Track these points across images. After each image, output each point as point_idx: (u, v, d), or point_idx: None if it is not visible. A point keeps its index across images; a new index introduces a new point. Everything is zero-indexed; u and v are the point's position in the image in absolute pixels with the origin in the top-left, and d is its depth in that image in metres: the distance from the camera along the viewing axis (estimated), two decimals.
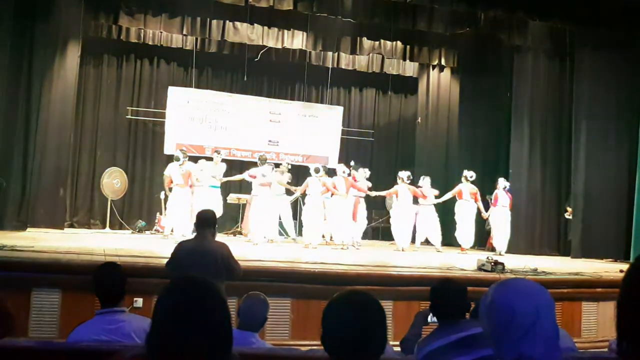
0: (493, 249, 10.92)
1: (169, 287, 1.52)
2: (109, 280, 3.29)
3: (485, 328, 1.64)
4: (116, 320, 3.15)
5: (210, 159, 11.12)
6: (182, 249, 4.75)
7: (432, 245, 10.90)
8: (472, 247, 11.16)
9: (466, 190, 10.89)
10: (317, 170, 10.32)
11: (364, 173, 11.10)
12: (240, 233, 11.50)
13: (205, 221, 4.76)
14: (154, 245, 8.50)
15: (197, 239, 4.77)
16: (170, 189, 10.25)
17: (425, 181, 10.96)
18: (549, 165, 11.51)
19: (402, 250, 10.46)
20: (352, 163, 11.42)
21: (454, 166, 12.48)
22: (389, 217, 11.37)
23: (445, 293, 3.05)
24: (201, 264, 4.42)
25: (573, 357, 3.22)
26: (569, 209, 11.25)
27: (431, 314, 3.26)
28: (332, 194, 10.43)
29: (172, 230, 10.00)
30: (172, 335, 1.42)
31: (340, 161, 12.40)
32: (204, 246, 4.63)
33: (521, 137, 11.54)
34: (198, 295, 1.48)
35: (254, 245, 9.60)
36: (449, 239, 11.22)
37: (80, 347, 2.91)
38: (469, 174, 10.93)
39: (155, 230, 11.31)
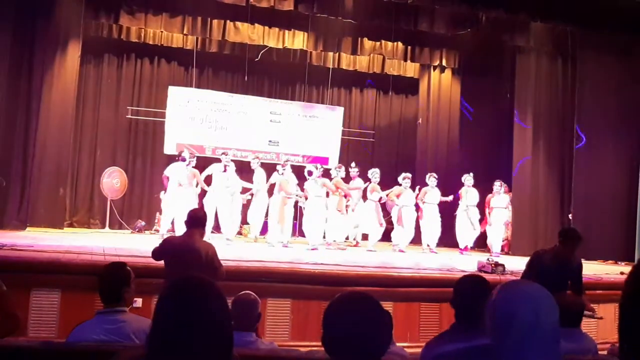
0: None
1: (170, 288, 1.50)
2: (114, 280, 3.30)
3: (487, 330, 1.63)
4: (116, 321, 3.15)
5: (211, 159, 11.12)
6: (169, 244, 4.83)
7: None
8: (473, 249, 11.15)
9: (465, 192, 10.91)
10: (317, 168, 10.43)
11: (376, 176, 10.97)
12: (240, 233, 11.47)
13: (196, 220, 4.83)
14: (153, 245, 8.45)
15: (185, 237, 4.82)
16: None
17: (430, 180, 10.94)
18: (551, 167, 11.49)
19: (402, 251, 10.46)
20: (352, 164, 11.42)
21: (454, 167, 12.45)
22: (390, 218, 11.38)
23: (473, 292, 2.73)
24: (184, 261, 4.49)
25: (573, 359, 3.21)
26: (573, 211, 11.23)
27: None
28: (329, 195, 10.50)
29: (171, 231, 9.97)
30: (173, 336, 1.41)
31: (340, 162, 12.40)
32: (190, 244, 4.68)
33: (523, 139, 11.51)
34: (199, 295, 1.47)
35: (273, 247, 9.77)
36: (448, 241, 11.20)
37: (79, 347, 2.91)
38: (468, 176, 10.96)
39: (154, 230, 11.27)
